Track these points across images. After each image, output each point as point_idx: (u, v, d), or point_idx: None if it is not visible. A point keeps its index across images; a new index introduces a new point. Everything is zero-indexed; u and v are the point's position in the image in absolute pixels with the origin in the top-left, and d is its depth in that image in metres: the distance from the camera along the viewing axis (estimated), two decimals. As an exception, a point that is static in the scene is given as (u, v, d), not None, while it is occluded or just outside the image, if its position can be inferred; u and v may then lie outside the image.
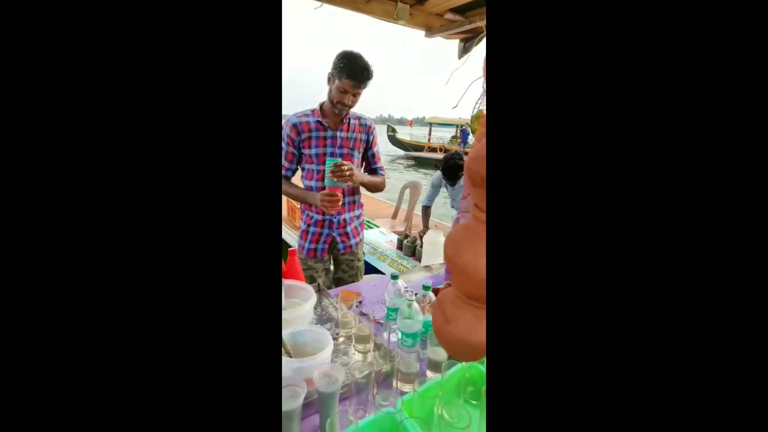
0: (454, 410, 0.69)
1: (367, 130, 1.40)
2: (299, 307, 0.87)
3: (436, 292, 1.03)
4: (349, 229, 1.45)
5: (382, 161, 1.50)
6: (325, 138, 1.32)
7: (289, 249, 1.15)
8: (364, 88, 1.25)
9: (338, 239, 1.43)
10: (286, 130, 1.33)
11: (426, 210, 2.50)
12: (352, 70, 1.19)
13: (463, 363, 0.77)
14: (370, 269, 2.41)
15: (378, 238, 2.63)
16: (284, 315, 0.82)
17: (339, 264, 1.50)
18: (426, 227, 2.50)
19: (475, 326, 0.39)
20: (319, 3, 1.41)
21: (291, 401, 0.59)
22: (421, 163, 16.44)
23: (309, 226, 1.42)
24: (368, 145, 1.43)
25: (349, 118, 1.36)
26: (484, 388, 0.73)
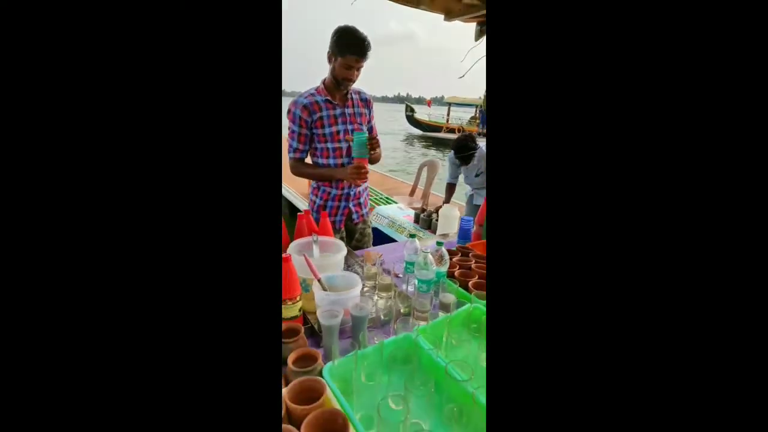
0: (458, 338, 0.86)
1: (367, 104, 1.50)
2: (332, 256, 1.05)
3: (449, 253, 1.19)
4: (362, 199, 1.60)
5: (399, 140, 1.60)
6: (335, 116, 1.40)
7: (323, 212, 1.32)
8: (366, 60, 1.30)
9: (353, 210, 1.57)
10: (296, 113, 1.35)
11: (450, 187, 2.59)
12: (353, 45, 1.23)
13: (469, 304, 0.93)
14: (389, 240, 2.58)
15: (396, 213, 2.79)
16: (320, 262, 0.99)
17: (352, 233, 1.65)
18: (447, 202, 2.62)
19: None
20: None
21: (331, 319, 0.76)
22: (438, 144, 16.30)
23: (326, 201, 1.52)
24: (368, 119, 1.51)
25: (351, 94, 1.43)
26: (484, 324, 0.89)
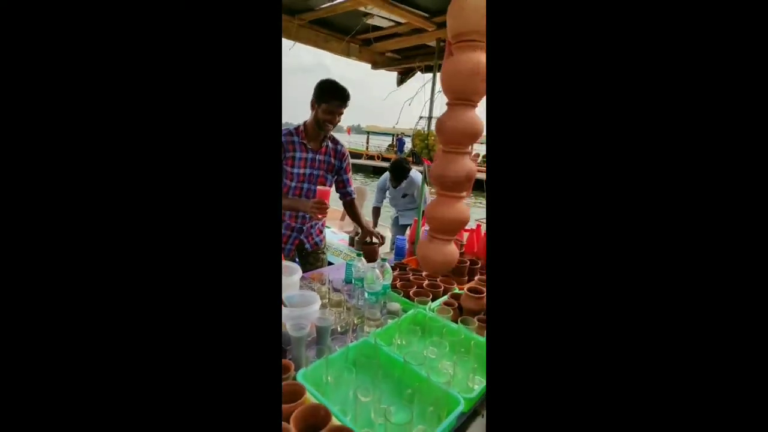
0: (407, 339, 1.01)
1: (341, 157, 1.63)
2: (288, 278, 1.12)
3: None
4: (313, 231, 1.69)
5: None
6: (306, 159, 1.51)
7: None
8: (346, 107, 1.47)
9: (305, 241, 1.66)
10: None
11: (376, 210, 2.81)
12: (337, 93, 1.41)
13: (413, 310, 1.09)
14: (327, 263, 2.65)
15: (331, 237, 2.88)
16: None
17: (307, 259, 1.72)
18: (375, 225, 2.83)
19: (439, 249, 0.72)
20: (292, 42, 1.66)
21: (300, 331, 0.85)
22: (359, 170, 16.92)
23: None
24: (343, 170, 1.65)
25: (328, 142, 1.55)
26: (427, 325, 1.06)
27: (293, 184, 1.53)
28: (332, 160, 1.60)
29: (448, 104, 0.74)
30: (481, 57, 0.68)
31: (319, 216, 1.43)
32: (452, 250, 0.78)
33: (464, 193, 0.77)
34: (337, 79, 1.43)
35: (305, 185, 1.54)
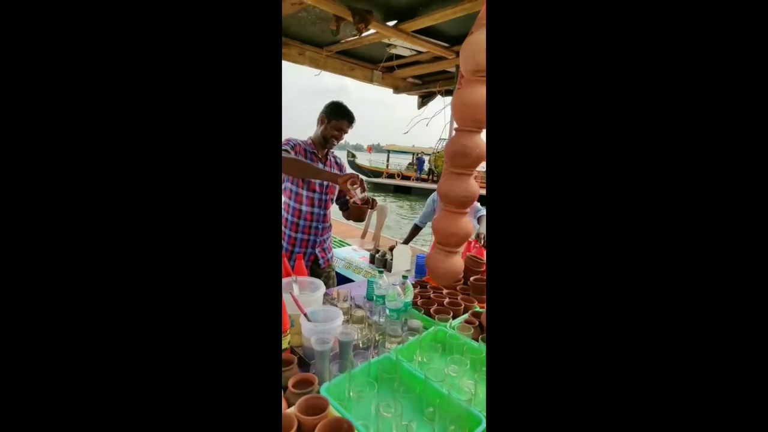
0: (427, 356, 1.02)
1: (340, 168, 1.74)
2: (312, 294, 1.16)
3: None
4: (326, 246, 1.75)
5: None
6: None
7: (297, 254, 1.43)
8: (352, 128, 1.61)
9: (319, 255, 1.71)
10: (291, 142, 1.54)
11: (417, 229, 2.65)
12: (346, 113, 1.55)
13: (433, 327, 1.11)
14: (348, 280, 2.69)
15: (351, 255, 2.93)
16: (303, 299, 1.10)
17: (318, 277, 1.77)
18: (407, 242, 2.73)
19: (443, 259, 0.76)
20: (318, 71, 1.79)
21: (324, 345, 0.88)
22: (379, 188, 17.14)
23: (293, 246, 1.65)
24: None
25: (330, 155, 1.67)
26: (447, 342, 1.06)
27: (305, 192, 1.60)
28: (336, 170, 1.70)
29: (456, 130, 0.79)
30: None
31: (351, 194, 1.35)
32: (457, 261, 0.81)
33: (467, 210, 0.81)
34: (359, 101, 1.58)
35: (316, 195, 1.61)
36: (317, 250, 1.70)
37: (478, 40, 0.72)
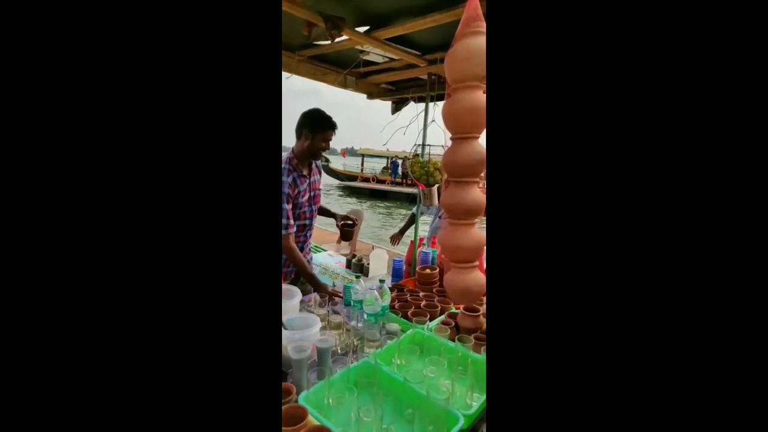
0: (406, 359, 1.04)
1: (320, 171, 1.73)
2: (289, 302, 1.15)
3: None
4: (306, 250, 1.74)
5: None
6: (308, 185, 1.59)
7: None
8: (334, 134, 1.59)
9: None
10: (285, 191, 1.46)
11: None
12: (328, 122, 1.51)
13: (411, 330, 1.12)
14: (321, 287, 2.67)
15: (327, 260, 2.90)
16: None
17: (298, 281, 1.75)
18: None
19: (458, 276, 0.76)
20: (288, 74, 1.77)
21: (302, 353, 0.87)
22: (355, 192, 17.09)
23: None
24: (318, 185, 1.74)
25: (311, 164, 1.65)
26: (425, 344, 1.08)
27: (297, 211, 1.59)
28: (317, 176, 1.69)
29: (452, 139, 0.81)
30: (476, 94, 0.76)
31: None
32: (476, 276, 0.80)
33: (476, 220, 0.81)
34: (332, 104, 1.57)
35: (307, 209, 1.62)
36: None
37: (459, 50, 0.75)
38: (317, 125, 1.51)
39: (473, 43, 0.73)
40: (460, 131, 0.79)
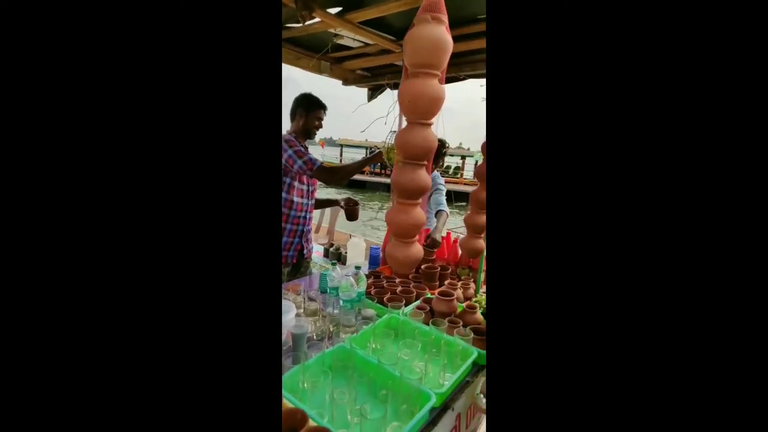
0: (381, 343, 1.05)
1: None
2: (263, 291, 1.14)
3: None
4: (309, 236, 1.74)
5: None
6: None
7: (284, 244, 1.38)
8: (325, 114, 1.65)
9: (305, 246, 1.70)
10: (297, 141, 1.56)
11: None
12: (319, 104, 1.60)
13: (387, 315, 1.14)
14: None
15: (304, 250, 2.90)
16: (254, 296, 1.07)
17: (298, 268, 1.75)
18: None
19: (401, 248, 0.78)
20: None
21: (277, 340, 0.87)
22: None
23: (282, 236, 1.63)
24: None
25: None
26: (400, 328, 1.10)
27: (301, 186, 1.64)
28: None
29: (408, 122, 0.82)
30: (433, 83, 0.76)
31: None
32: (416, 248, 0.85)
33: (419, 201, 0.85)
34: (308, 91, 1.62)
35: (305, 187, 1.67)
36: (303, 240, 1.68)
37: (419, 34, 0.75)
38: (311, 105, 1.60)
39: (432, 31, 0.74)
40: (414, 116, 0.80)
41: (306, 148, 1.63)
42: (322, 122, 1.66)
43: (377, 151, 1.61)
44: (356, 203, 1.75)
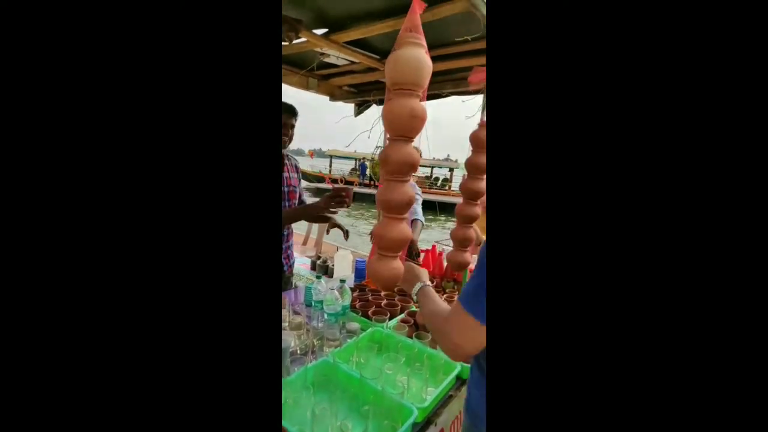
0: (365, 357, 1.06)
1: (297, 171, 1.66)
2: (247, 306, 1.13)
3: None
4: (289, 252, 1.67)
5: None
6: (283, 179, 1.51)
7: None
8: (296, 120, 1.47)
9: (284, 263, 1.63)
10: None
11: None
12: (287, 108, 1.42)
13: (371, 328, 1.14)
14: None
15: (291, 263, 2.88)
16: (237, 311, 1.07)
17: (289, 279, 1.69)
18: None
19: (384, 264, 0.80)
20: None
21: (259, 356, 0.87)
22: (322, 193, 16.93)
23: None
24: (299, 184, 1.68)
25: (286, 159, 1.57)
26: (383, 342, 1.11)
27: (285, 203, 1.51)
28: (293, 174, 1.63)
29: (389, 139, 0.85)
30: (414, 102, 0.80)
31: (345, 204, 1.26)
32: (398, 265, 0.87)
33: (405, 215, 0.87)
34: (298, 105, 1.46)
35: (288, 203, 1.54)
36: (283, 257, 1.61)
37: (400, 57, 0.79)
38: None
39: (413, 53, 0.78)
40: (396, 133, 0.83)
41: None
42: (292, 129, 1.45)
43: (317, 203, 1.35)
44: (347, 192, 1.32)
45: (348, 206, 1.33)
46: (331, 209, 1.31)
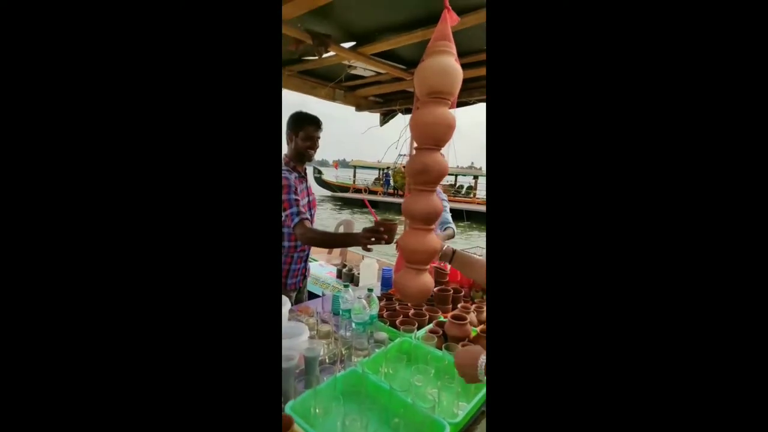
0: (393, 367, 1.04)
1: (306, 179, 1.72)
2: (277, 313, 1.15)
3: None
4: (304, 259, 1.72)
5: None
6: (305, 189, 1.56)
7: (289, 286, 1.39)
8: (321, 131, 1.51)
9: (307, 272, 1.70)
10: (292, 183, 1.41)
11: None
12: (308, 119, 1.46)
13: (399, 338, 1.13)
14: (315, 295, 2.66)
15: (318, 270, 2.90)
16: (268, 318, 1.09)
17: (303, 290, 1.75)
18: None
19: (412, 278, 0.79)
20: None
21: (289, 362, 0.87)
22: (347, 203, 17.14)
23: (290, 264, 1.57)
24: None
25: (305, 169, 1.63)
26: (412, 353, 1.09)
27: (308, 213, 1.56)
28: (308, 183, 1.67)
29: (416, 149, 0.85)
30: (444, 110, 0.79)
31: (384, 242, 1.25)
32: (428, 279, 0.85)
33: (433, 226, 0.85)
34: (321, 116, 1.48)
35: (307, 213, 1.57)
36: (304, 266, 1.65)
37: (431, 65, 0.79)
38: (298, 123, 1.47)
39: (443, 61, 0.78)
40: (425, 142, 0.83)
41: (302, 174, 1.53)
42: (317, 141, 1.47)
43: (358, 234, 1.30)
44: (388, 228, 1.25)
45: (389, 243, 1.27)
46: (370, 244, 1.30)
